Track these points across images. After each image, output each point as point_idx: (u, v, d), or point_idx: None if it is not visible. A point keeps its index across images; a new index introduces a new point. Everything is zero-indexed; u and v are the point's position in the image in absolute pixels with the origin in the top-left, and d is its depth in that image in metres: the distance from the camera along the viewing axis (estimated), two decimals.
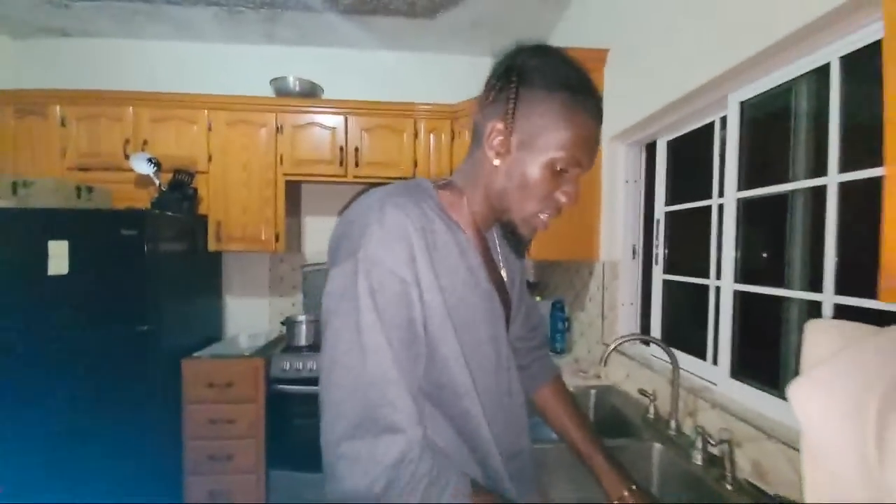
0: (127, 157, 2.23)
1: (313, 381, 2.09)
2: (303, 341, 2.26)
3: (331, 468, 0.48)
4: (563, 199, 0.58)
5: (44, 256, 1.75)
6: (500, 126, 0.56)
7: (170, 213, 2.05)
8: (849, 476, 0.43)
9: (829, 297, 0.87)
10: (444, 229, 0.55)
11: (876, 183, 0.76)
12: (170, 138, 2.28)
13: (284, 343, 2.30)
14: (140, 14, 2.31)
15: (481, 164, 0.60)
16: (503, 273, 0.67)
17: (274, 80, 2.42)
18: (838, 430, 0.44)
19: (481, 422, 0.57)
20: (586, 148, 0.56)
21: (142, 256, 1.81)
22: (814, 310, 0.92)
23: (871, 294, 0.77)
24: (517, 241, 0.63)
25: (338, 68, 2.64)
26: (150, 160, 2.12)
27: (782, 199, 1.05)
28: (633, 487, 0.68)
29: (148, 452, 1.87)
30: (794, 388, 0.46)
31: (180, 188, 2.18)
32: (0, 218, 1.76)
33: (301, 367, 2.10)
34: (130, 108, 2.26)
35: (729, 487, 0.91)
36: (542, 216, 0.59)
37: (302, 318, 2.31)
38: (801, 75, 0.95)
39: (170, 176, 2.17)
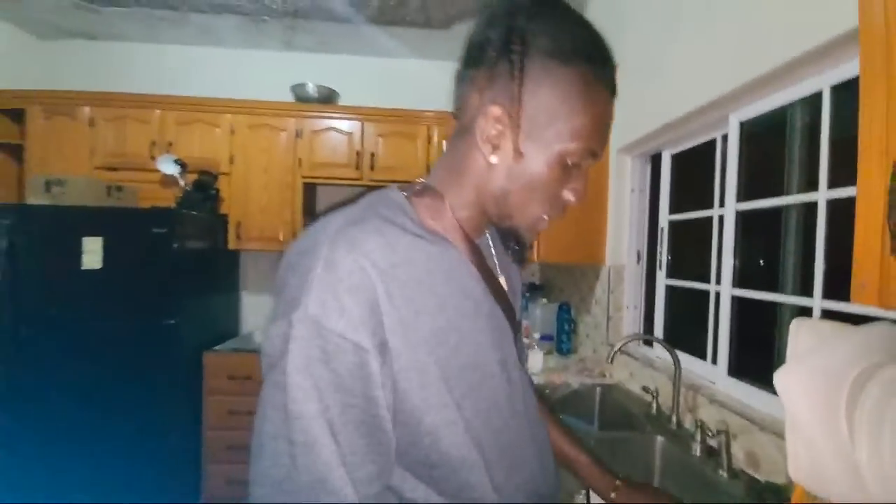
0: (153, 158, 2.33)
1: None
2: None
3: None
4: (571, 197, 0.48)
5: (78, 251, 1.85)
6: (498, 112, 0.44)
7: (194, 213, 2.14)
8: (824, 448, 0.52)
9: (818, 302, 0.96)
10: (424, 256, 0.43)
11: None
12: (194, 141, 2.38)
13: None
14: (166, 20, 2.41)
15: (469, 160, 0.48)
16: (502, 281, 0.55)
17: (294, 87, 2.51)
18: (816, 410, 0.53)
19: (488, 492, 0.45)
20: (604, 134, 0.47)
21: (169, 253, 1.91)
22: (805, 313, 1.01)
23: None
24: (518, 248, 0.53)
25: (354, 75, 2.74)
26: (176, 161, 2.22)
27: (778, 210, 1.14)
28: (618, 482, 0.66)
29: (169, 440, 1.95)
30: (780, 374, 0.55)
31: (204, 188, 2.27)
32: (36, 215, 1.86)
33: None
34: (157, 110, 2.36)
35: (724, 475, 1.00)
36: (546, 217, 0.49)
37: None
38: (797, 100, 1.04)
39: (193, 176, 2.27)
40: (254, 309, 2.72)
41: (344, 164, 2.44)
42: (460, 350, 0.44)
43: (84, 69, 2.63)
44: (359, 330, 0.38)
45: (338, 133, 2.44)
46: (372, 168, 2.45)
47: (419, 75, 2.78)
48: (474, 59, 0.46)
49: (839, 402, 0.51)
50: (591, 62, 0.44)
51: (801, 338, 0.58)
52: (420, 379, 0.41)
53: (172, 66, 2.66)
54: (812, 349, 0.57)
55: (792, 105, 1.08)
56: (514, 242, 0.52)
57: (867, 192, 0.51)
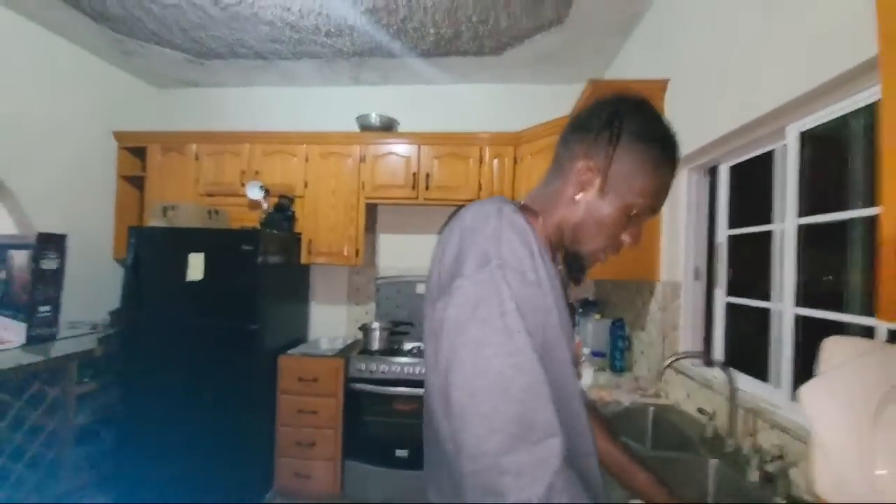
0: (242, 185, 2.71)
1: (385, 382, 2.33)
2: (376, 346, 2.53)
3: (488, 484, 0.46)
4: (628, 239, 0.63)
5: (184, 265, 2.21)
6: (593, 164, 0.60)
7: (275, 232, 2.45)
8: (849, 464, 0.52)
9: (884, 324, 0.89)
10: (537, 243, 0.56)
11: None
12: (275, 169, 2.72)
13: (360, 346, 2.59)
14: (257, 68, 2.82)
15: (560, 194, 0.63)
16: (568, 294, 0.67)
17: (359, 117, 2.79)
18: (841, 426, 0.53)
19: (586, 423, 0.58)
20: (662, 197, 0.62)
21: (255, 267, 2.20)
22: (870, 334, 0.94)
23: None
24: (579, 270, 0.65)
25: (412, 103, 2.96)
26: (261, 188, 2.57)
27: (843, 225, 1.07)
28: (674, 500, 0.71)
29: (248, 433, 2.21)
30: (805, 389, 0.56)
31: (282, 210, 2.59)
32: (155, 235, 2.26)
33: (375, 368, 2.36)
34: (247, 144, 2.75)
35: (782, 502, 0.95)
36: (606, 250, 0.64)
37: (376, 325, 2.58)
38: (858, 109, 0.99)
39: (274, 200, 2.60)
40: (320, 317, 2.99)
41: (401, 185, 2.64)
42: (556, 326, 0.54)
43: (191, 112, 3.15)
44: (532, 270, 0.52)
45: (397, 157, 2.66)
46: (427, 188, 2.62)
47: (471, 98, 2.94)
48: (584, 126, 0.63)
49: (864, 419, 0.51)
50: (663, 146, 0.61)
51: (833, 354, 0.59)
52: (553, 320, 0.54)
53: (259, 106, 3.09)
54: (842, 366, 0.57)
55: (855, 114, 1.03)
56: (577, 266, 0.65)
57: (891, 212, 0.52)
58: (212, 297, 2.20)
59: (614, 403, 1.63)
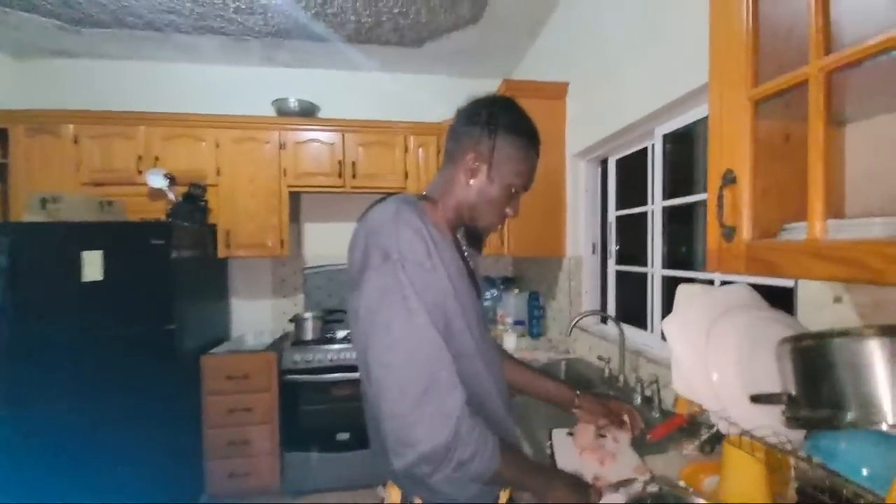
0: (140, 172, 2.43)
1: (321, 370, 2.36)
2: (309, 336, 2.52)
3: (404, 437, 0.57)
4: (510, 212, 0.80)
5: (78, 265, 1.95)
6: (477, 156, 0.74)
7: (187, 224, 2.27)
8: (693, 371, 0.78)
9: (714, 273, 1.24)
10: (435, 230, 0.69)
11: None
12: (180, 154, 2.49)
13: (293, 338, 2.55)
14: (148, 40, 2.51)
15: (454, 181, 0.77)
16: (471, 264, 0.81)
17: (275, 101, 2.67)
18: (687, 346, 0.78)
19: (488, 378, 0.72)
20: (532, 175, 0.80)
21: (168, 263, 2.03)
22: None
23: None
24: (479, 241, 0.83)
25: (333, 88, 2.91)
26: (165, 175, 2.33)
27: (693, 205, 1.43)
28: (578, 393, 0.94)
29: (173, 439, 2.08)
30: (665, 322, 0.81)
31: (193, 200, 2.39)
32: (35, 231, 1.94)
33: (311, 358, 2.37)
34: (142, 126, 2.46)
35: (657, 415, 1.27)
36: (496, 224, 0.80)
37: (308, 315, 2.57)
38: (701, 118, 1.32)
39: (181, 189, 2.38)
40: (243, 313, 2.85)
41: (327, 173, 2.62)
42: (460, 292, 0.69)
43: (66, 88, 2.68)
44: (427, 260, 0.64)
45: (320, 144, 2.61)
46: (354, 176, 2.63)
47: (394, 89, 2.98)
48: (468, 121, 0.77)
49: (699, 338, 0.77)
50: (529, 137, 0.78)
51: (682, 296, 0.84)
52: (449, 297, 0.66)
53: (155, 84, 2.75)
54: (686, 304, 0.82)
55: (702, 121, 1.36)
56: (476, 238, 0.82)
57: (710, 198, 0.77)
58: (116, 299, 1.98)
59: (534, 362, 1.91)
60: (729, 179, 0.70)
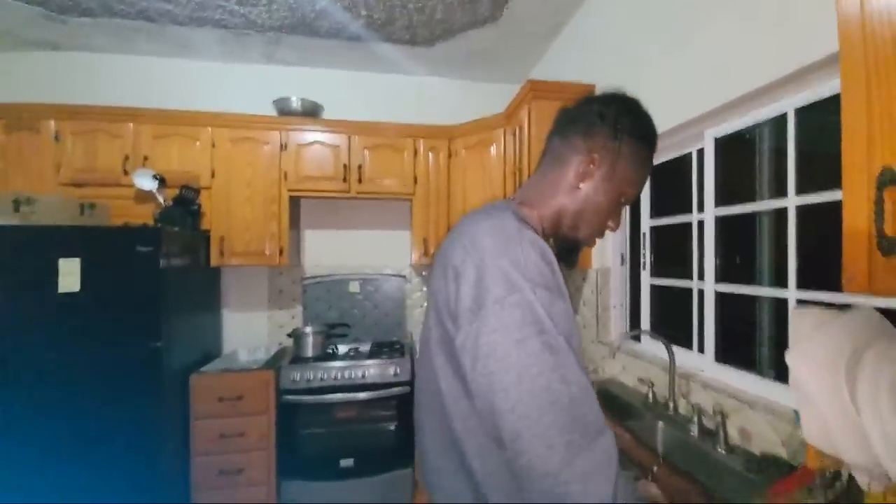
0: (126, 172, 2.23)
1: (323, 390, 2.15)
2: (310, 352, 2.32)
3: (561, 496, 0.48)
4: (612, 225, 0.71)
5: (50, 274, 1.73)
6: (594, 158, 0.66)
7: (178, 229, 2.07)
8: (831, 414, 0.63)
9: (792, 293, 1.10)
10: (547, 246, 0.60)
11: (826, 205, 1.01)
12: (171, 154, 2.29)
13: (291, 355, 2.35)
14: (141, 32, 2.33)
15: (559, 184, 0.68)
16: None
17: (277, 100, 2.50)
18: (821, 383, 0.63)
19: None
20: (643, 187, 0.72)
21: (155, 272, 1.83)
22: (780, 304, 1.15)
23: (826, 288, 1.00)
24: (574, 254, 0.72)
25: (337, 88, 2.76)
26: (154, 176, 2.14)
27: (751, 215, 1.30)
28: (660, 460, 0.83)
29: (157, 469, 1.85)
30: (790, 355, 0.66)
31: (185, 204, 2.20)
32: (6, 235, 1.72)
33: (311, 377, 2.16)
34: (131, 123, 2.26)
35: (722, 451, 1.12)
36: (595, 238, 0.71)
37: (308, 329, 2.37)
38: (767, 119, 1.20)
39: (172, 191, 2.19)
40: (235, 327, 2.63)
41: (331, 177, 2.45)
42: (576, 325, 0.60)
43: (48, 81, 2.47)
44: (556, 286, 0.56)
45: (324, 146, 2.44)
46: (360, 181, 2.47)
47: (402, 90, 2.85)
48: (583, 121, 0.69)
49: (839, 375, 0.62)
50: (651, 143, 0.70)
51: (802, 323, 0.70)
52: (571, 324, 0.57)
53: (147, 79, 2.56)
54: (811, 332, 0.68)
55: (761, 123, 1.24)
56: (570, 251, 0.72)
57: (852, 201, 0.63)
58: (95, 312, 1.76)
59: None
60: (887, 179, 0.57)
